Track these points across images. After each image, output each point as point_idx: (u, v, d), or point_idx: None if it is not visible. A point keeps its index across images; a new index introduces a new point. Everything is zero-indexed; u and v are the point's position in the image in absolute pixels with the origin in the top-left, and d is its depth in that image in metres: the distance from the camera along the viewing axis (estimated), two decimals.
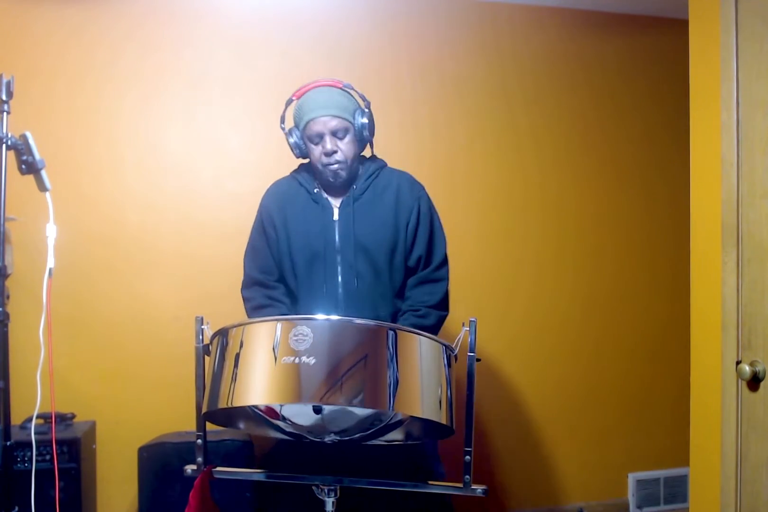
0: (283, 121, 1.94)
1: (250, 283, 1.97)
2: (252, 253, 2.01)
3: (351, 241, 1.87)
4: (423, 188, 1.99)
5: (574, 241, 3.09)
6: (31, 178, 1.76)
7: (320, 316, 1.31)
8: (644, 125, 3.17)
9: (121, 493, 2.58)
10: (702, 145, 1.81)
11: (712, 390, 1.72)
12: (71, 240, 2.45)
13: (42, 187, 1.77)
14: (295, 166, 2.06)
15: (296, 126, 1.91)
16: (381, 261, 1.88)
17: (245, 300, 1.98)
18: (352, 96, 1.90)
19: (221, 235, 2.71)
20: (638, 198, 3.17)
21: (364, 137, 1.90)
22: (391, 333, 1.30)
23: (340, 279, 1.87)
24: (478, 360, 1.38)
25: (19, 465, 2.08)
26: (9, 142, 1.68)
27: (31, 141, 1.72)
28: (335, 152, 1.85)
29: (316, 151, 1.87)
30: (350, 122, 1.86)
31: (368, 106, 1.91)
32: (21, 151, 1.71)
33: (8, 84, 1.69)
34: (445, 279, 1.95)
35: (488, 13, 2.98)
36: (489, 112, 2.99)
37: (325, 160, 1.86)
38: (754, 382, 1.58)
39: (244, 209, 2.71)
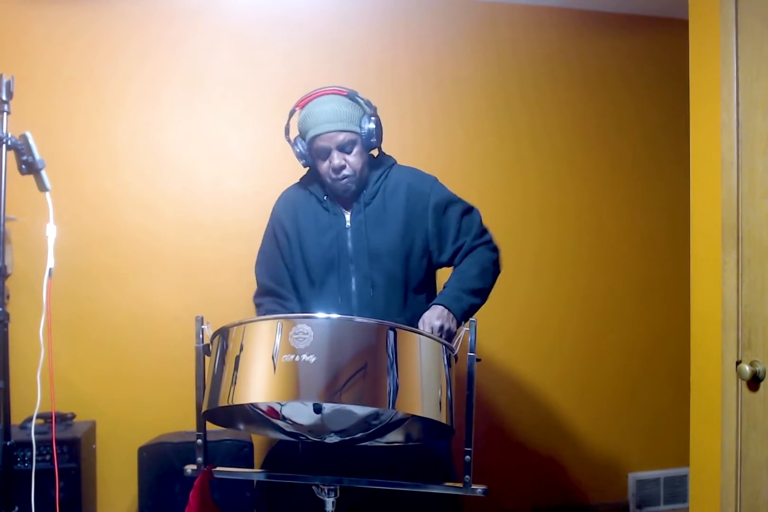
0: (287, 132, 1.91)
1: (261, 292, 1.96)
2: (264, 262, 1.98)
3: (364, 248, 1.83)
4: (433, 180, 1.93)
5: (572, 241, 3.09)
6: (31, 178, 1.76)
7: (320, 315, 1.31)
8: (643, 124, 3.17)
9: (121, 493, 2.58)
10: (702, 145, 1.81)
11: (712, 390, 1.72)
12: (71, 240, 2.45)
13: (42, 187, 1.77)
14: (298, 168, 2.04)
15: (301, 137, 1.86)
16: (395, 267, 1.83)
17: (256, 306, 1.96)
18: (357, 103, 1.84)
19: (222, 235, 2.71)
20: (637, 197, 3.17)
21: (372, 144, 1.85)
22: (390, 332, 1.30)
23: (354, 288, 1.83)
24: (478, 360, 1.38)
25: (19, 465, 2.08)
26: (9, 142, 1.68)
27: (31, 141, 1.72)
28: (343, 167, 1.81)
29: (324, 165, 1.83)
30: (356, 133, 1.81)
31: (374, 111, 1.85)
32: (21, 151, 1.71)
33: (8, 84, 1.69)
34: (490, 241, 1.93)
35: (488, 13, 2.99)
36: (488, 112, 2.99)
37: (333, 175, 1.82)
38: (754, 382, 1.58)
39: (244, 209, 2.73)
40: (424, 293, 1.90)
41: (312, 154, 1.85)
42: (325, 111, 1.79)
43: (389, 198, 1.87)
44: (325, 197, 1.91)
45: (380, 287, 1.83)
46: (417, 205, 1.86)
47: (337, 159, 1.80)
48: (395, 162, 1.97)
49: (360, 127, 1.82)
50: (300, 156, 1.89)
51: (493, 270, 1.90)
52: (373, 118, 1.83)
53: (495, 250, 1.94)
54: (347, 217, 1.87)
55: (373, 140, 1.84)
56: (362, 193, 1.88)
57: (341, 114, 1.79)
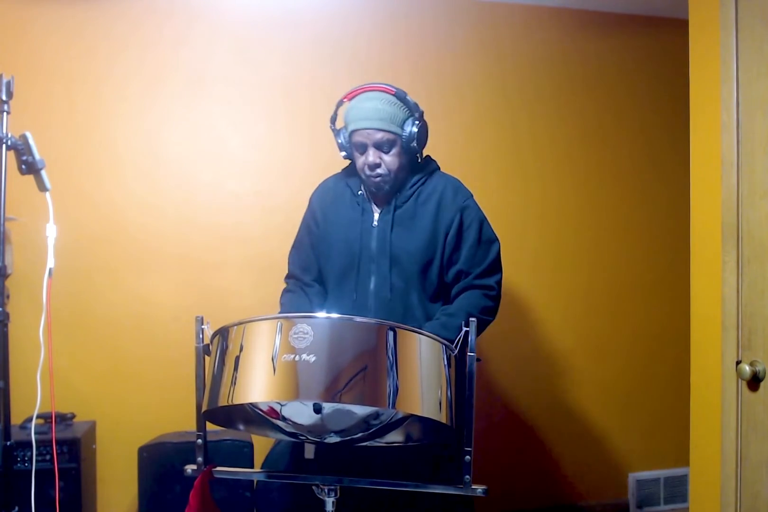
0: (333, 121, 1.91)
1: (289, 276, 2.02)
2: (296, 248, 2.02)
3: (387, 249, 1.83)
4: (469, 196, 1.91)
5: (572, 240, 3.09)
6: (31, 178, 1.76)
7: (320, 314, 1.32)
8: (643, 125, 3.17)
9: (121, 493, 2.58)
10: (702, 145, 1.81)
11: (712, 390, 1.72)
12: (71, 240, 2.45)
13: (42, 187, 1.77)
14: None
15: (345, 129, 1.87)
16: (413, 274, 1.83)
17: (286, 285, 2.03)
18: (404, 104, 1.82)
19: (221, 235, 2.71)
20: (637, 197, 3.17)
21: (412, 148, 1.83)
22: (390, 331, 1.30)
23: (372, 287, 1.83)
24: (479, 360, 1.38)
25: (19, 465, 2.08)
26: (9, 142, 1.68)
27: (31, 141, 1.72)
28: (378, 166, 1.81)
29: (360, 160, 1.84)
30: (397, 134, 1.80)
31: (421, 115, 1.84)
32: (21, 151, 1.71)
33: (8, 84, 1.69)
34: (491, 287, 1.85)
35: (488, 12, 2.98)
36: (488, 112, 2.99)
37: (367, 171, 1.82)
38: (754, 382, 1.58)
39: (244, 209, 2.73)
40: (440, 301, 1.89)
41: (352, 147, 1.85)
42: (367, 107, 1.79)
43: (421, 205, 1.86)
44: (359, 192, 1.91)
45: (398, 290, 1.83)
46: (445, 216, 1.85)
47: (372, 156, 1.80)
48: (437, 168, 1.97)
49: (402, 128, 1.81)
50: (341, 147, 1.89)
51: (480, 320, 1.70)
52: (417, 122, 1.82)
53: (493, 298, 1.86)
54: (376, 216, 1.88)
55: (414, 144, 1.83)
56: (396, 195, 1.87)
57: (382, 113, 1.78)
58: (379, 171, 1.82)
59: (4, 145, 1.67)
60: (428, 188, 1.89)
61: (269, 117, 2.77)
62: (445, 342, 1.39)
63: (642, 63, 3.16)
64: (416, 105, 1.84)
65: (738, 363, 1.62)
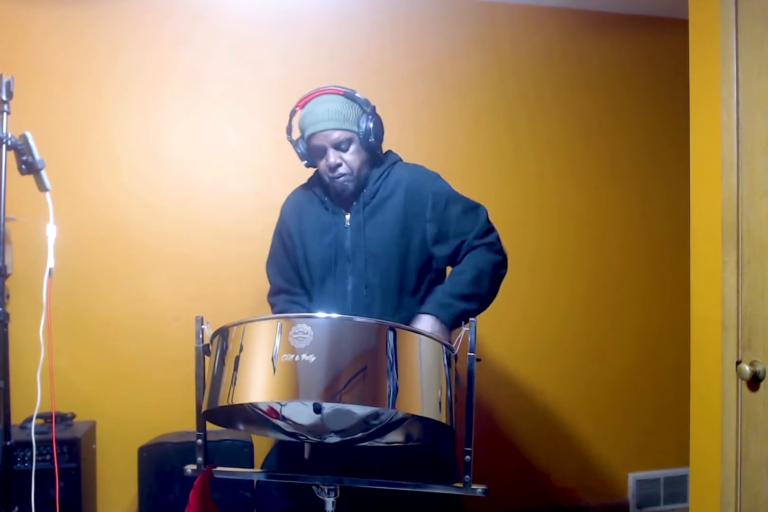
0: (289, 132, 1.91)
1: (275, 291, 1.98)
2: (274, 261, 2.00)
3: (361, 247, 1.83)
4: (437, 177, 1.91)
5: (572, 240, 3.09)
6: (31, 178, 1.76)
7: (320, 314, 1.31)
8: (643, 125, 3.17)
9: (121, 493, 2.58)
10: (702, 145, 1.82)
11: (712, 390, 1.72)
12: (71, 240, 2.46)
13: (42, 187, 1.77)
14: (299, 168, 2.05)
15: (302, 137, 1.87)
16: (392, 267, 1.82)
17: (271, 306, 1.98)
18: (354, 102, 1.84)
19: (221, 234, 2.71)
20: (637, 197, 3.17)
21: (370, 143, 1.83)
22: (390, 331, 1.30)
23: (349, 287, 1.83)
24: (478, 360, 1.38)
25: (19, 465, 2.08)
26: (9, 142, 1.68)
27: (31, 141, 1.72)
28: (339, 165, 1.81)
29: (322, 163, 1.84)
30: (353, 131, 1.81)
31: (373, 110, 1.84)
32: (21, 151, 1.71)
33: (8, 84, 1.69)
34: (493, 243, 1.86)
35: (488, 13, 2.99)
36: (488, 112, 2.99)
37: (330, 173, 1.83)
38: (754, 382, 1.58)
39: (244, 209, 2.73)
40: (420, 294, 1.88)
41: (311, 153, 1.85)
42: (320, 110, 1.80)
43: (389, 196, 1.86)
44: (326, 197, 1.91)
45: (374, 287, 1.82)
46: (416, 203, 1.85)
47: (332, 157, 1.81)
48: (399, 160, 1.96)
49: (357, 125, 1.81)
50: (302, 156, 1.89)
51: (492, 273, 1.82)
52: (371, 117, 1.82)
53: (498, 251, 1.87)
54: (347, 216, 1.87)
55: (372, 139, 1.82)
56: (362, 193, 1.87)
57: (335, 113, 1.79)
58: (341, 170, 1.82)
59: (4, 145, 1.67)
60: (393, 179, 1.88)
61: (268, 116, 2.76)
62: (446, 342, 1.39)
63: (642, 63, 3.17)
64: (367, 101, 1.84)
65: (738, 363, 1.62)
